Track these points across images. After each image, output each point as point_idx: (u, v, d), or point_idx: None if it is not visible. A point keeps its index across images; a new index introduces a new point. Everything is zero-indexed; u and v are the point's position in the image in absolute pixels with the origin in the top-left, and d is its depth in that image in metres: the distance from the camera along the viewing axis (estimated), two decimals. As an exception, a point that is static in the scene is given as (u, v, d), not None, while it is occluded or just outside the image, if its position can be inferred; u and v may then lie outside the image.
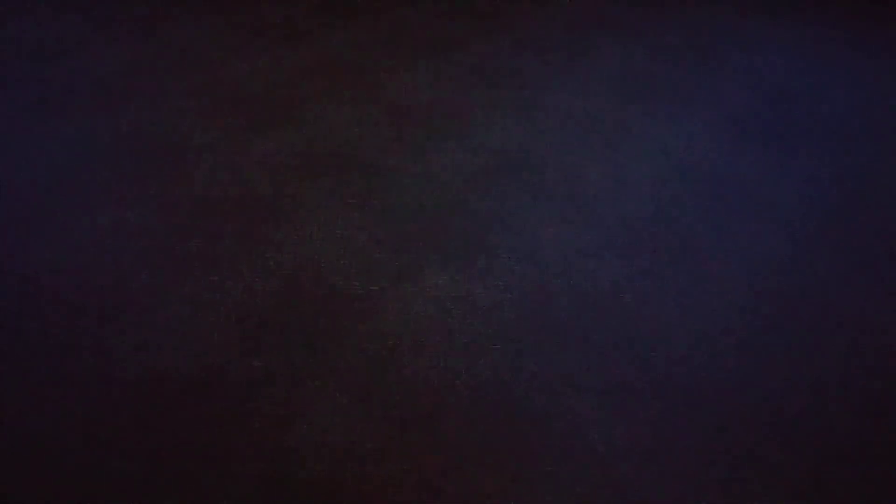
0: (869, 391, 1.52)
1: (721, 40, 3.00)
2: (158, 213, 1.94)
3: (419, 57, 2.79)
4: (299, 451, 1.35)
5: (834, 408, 1.48)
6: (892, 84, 2.72)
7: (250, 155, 2.19)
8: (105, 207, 1.95)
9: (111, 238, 1.84)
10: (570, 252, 1.86)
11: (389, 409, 1.44)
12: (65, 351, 1.54)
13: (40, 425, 1.38)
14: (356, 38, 2.92)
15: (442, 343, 1.59)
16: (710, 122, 2.44)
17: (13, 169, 2.07)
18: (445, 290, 1.73)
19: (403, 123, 2.37)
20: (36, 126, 2.27)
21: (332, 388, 1.48)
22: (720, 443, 1.40)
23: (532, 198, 2.05)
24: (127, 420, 1.40)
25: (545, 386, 1.50)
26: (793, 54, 2.91)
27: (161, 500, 1.26)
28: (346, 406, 1.45)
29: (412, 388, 1.49)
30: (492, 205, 2.02)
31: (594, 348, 1.60)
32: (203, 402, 1.44)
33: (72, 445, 1.35)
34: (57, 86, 2.48)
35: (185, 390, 1.46)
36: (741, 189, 2.12)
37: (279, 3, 3.18)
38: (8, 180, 2.03)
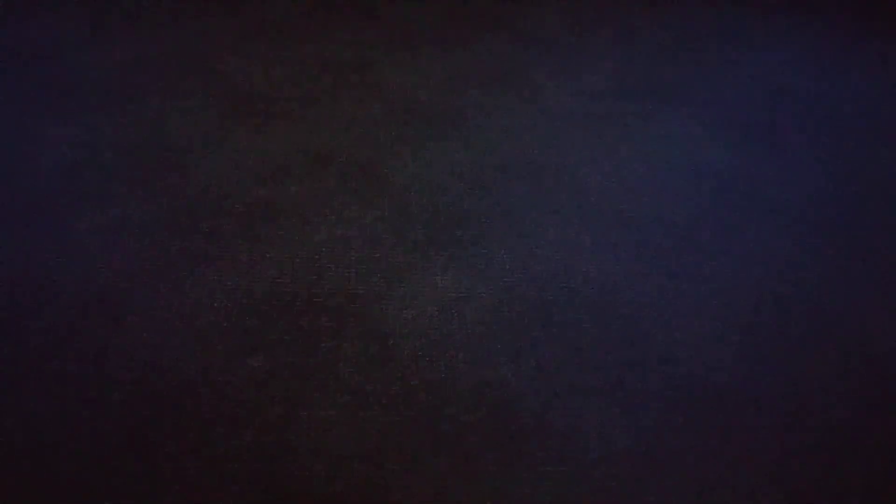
0: (870, 393, 1.52)
1: (722, 39, 3.00)
2: (158, 212, 1.94)
3: (419, 56, 2.79)
4: (299, 451, 1.35)
5: (835, 409, 1.48)
6: (895, 82, 2.71)
7: (250, 155, 2.19)
8: (105, 207, 1.95)
9: (111, 237, 1.85)
10: (570, 252, 1.86)
11: (389, 409, 1.44)
12: (65, 351, 1.54)
13: (40, 425, 1.39)
14: (356, 37, 2.92)
15: (442, 343, 1.60)
16: (710, 122, 2.44)
17: (13, 169, 2.07)
18: (445, 290, 1.73)
19: (403, 123, 2.38)
20: (36, 126, 2.27)
21: (332, 388, 1.48)
22: (720, 443, 1.41)
23: (532, 198, 2.05)
24: (127, 420, 1.40)
25: (545, 386, 1.50)
26: (794, 53, 2.91)
27: (161, 500, 1.26)
28: (346, 406, 1.45)
29: (412, 388, 1.49)
30: (492, 205, 2.02)
31: (594, 348, 1.60)
32: (203, 402, 1.44)
33: (72, 445, 1.35)
34: (57, 86, 2.48)
35: (185, 390, 1.46)
36: (741, 188, 2.12)
37: (279, 3, 3.18)
38: (8, 180, 2.03)
